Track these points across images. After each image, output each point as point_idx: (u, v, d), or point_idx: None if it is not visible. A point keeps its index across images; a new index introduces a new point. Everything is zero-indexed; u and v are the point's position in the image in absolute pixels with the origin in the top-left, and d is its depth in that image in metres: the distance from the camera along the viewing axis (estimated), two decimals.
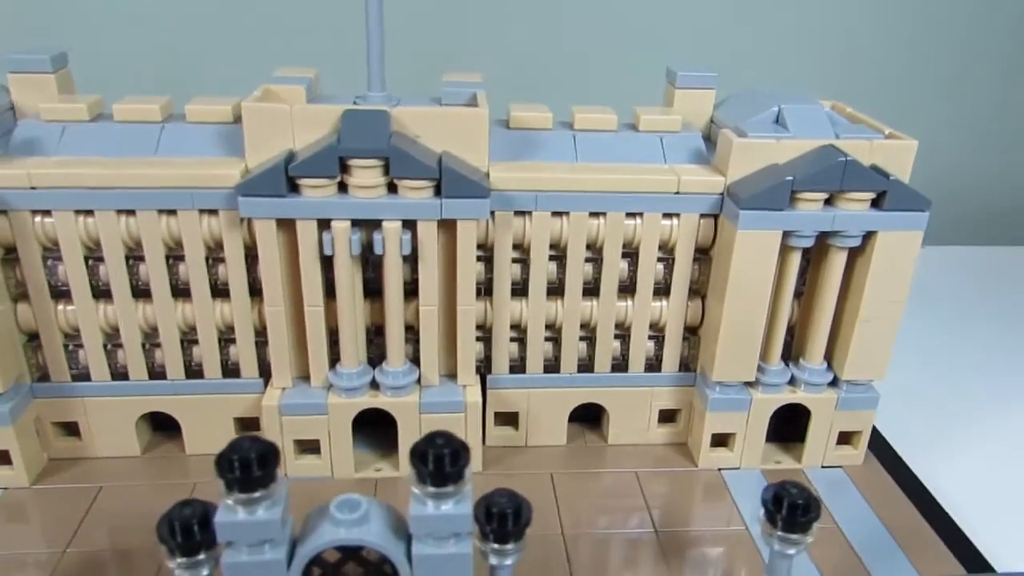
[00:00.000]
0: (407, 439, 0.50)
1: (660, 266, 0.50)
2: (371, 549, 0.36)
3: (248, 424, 0.52)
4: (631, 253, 0.50)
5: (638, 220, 0.48)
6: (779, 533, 0.38)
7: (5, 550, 0.44)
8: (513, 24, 0.93)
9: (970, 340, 0.75)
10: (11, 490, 0.49)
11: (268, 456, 0.34)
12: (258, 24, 0.89)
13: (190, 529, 0.34)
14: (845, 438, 0.54)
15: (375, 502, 0.36)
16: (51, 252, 0.46)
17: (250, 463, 0.33)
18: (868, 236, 0.47)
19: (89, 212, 0.45)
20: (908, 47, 0.99)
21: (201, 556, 0.35)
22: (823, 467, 0.54)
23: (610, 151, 0.50)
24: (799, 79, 0.98)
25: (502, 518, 0.35)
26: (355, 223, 0.45)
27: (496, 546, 0.36)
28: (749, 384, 0.52)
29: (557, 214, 0.48)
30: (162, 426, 0.53)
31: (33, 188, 0.44)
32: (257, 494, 0.34)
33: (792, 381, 0.52)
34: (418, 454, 0.34)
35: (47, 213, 0.45)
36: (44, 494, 0.49)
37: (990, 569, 0.46)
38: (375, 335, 0.51)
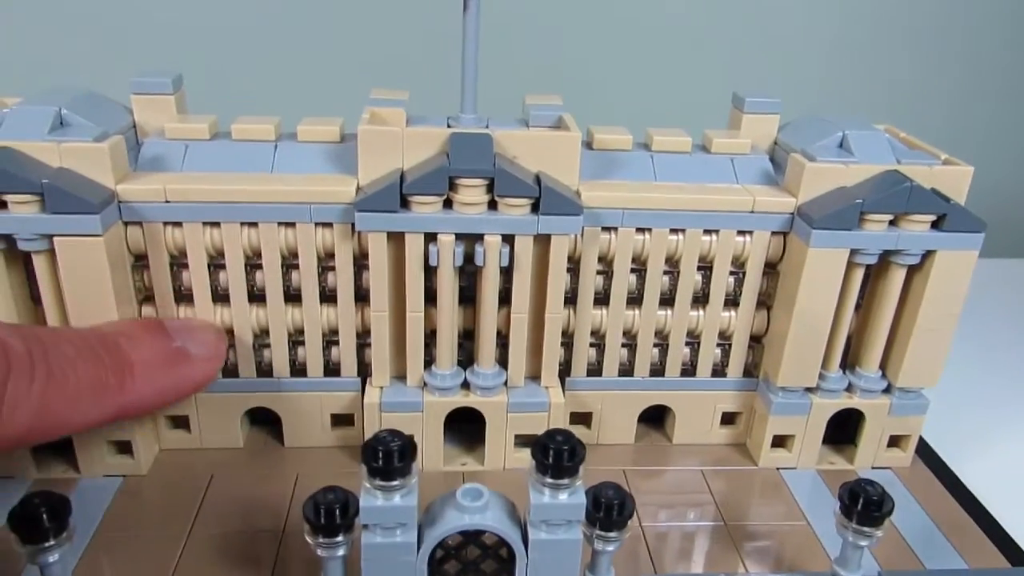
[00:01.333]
0: (495, 436, 0.54)
1: (731, 279, 0.54)
2: (491, 534, 0.40)
3: (343, 420, 0.56)
4: (705, 266, 0.54)
5: (714, 236, 0.52)
6: (854, 526, 0.42)
7: (134, 531, 0.48)
8: (578, 44, 0.97)
9: (1006, 349, 0.79)
10: (130, 478, 0.53)
11: (407, 449, 0.38)
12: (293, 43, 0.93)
13: (332, 512, 0.38)
14: (895, 441, 0.58)
15: (495, 493, 0.40)
16: (176, 259, 0.51)
17: (392, 454, 0.37)
18: (927, 254, 0.51)
19: (215, 223, 0.49)
20: (956, 66, 1.03)
21: (340, 538, 0.39)
22: (873, 468, 0.58)
23: (686, 171, 0.54)
24: (850, 102, 1.01)
25: (609, 509, 0.40)
26: (458, 236, 0.49)
27: (602, 533, 0.40)
28: (809, 390, 0.56)
29: (640, 230, 0.52)
30: (258, 421, 0.58)
31: (167, 202, 0.48)
32: (396, 482, 0.38)
33: (849, 387, 0.56)
34: (540, 448, 0.38)
35: (178, 224, 0.49)
36: (160, 482, 0.53)
37: None
38: (464, 339, 0.55)
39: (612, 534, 0.40)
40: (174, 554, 0.47)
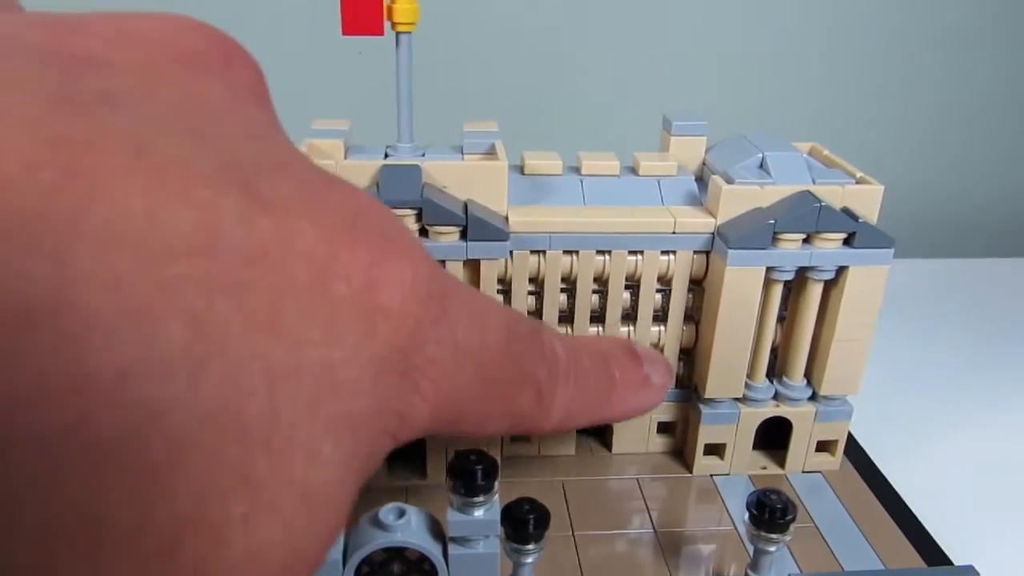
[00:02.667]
0: (436, 451, 0.57)
1: (659, 296, 0.57)
2: (413, 550, 0.42)
3: None
4: (633, 285, 0.56)
5: (639, 256, 0.55)
6: (762, 534, 0.44)
7: None
8: (517, 69, 1.00)
9: (937, 351, 0.82)
10: None
11: None
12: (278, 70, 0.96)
13: None
14: (823, 446, 0.60)
15: (416, 509, 0.43)
16: None
17: None
18: (841, 270, 0.54)
19: None
20: (885, 80, 1.06)
21: None
22: (804, 472, 0.60)
23: (614, 194, 0.56)
24: (784, 118, 1.04)
25: (523, 523, 0.42)
26: None
27: (518, 546, 0.43)
28: (738, 400, 0.58)
29: (568, 252, 0.54)
30: None
31: None
32: None
33: (776, 396, 0.58)
34: (455, 470, 0.41)
35: None
36: None
37: (948, 562, 0.52)
38: None
39: (529, 547, 0.43)
40: None
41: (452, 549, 0.42)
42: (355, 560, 0.41)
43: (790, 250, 0.53)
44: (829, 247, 0.53)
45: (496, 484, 0.41)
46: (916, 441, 0.67)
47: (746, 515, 0.45)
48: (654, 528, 0.54)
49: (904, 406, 0.72)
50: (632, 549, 0.53)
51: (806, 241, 0.53)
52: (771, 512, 0.44)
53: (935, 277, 0.98)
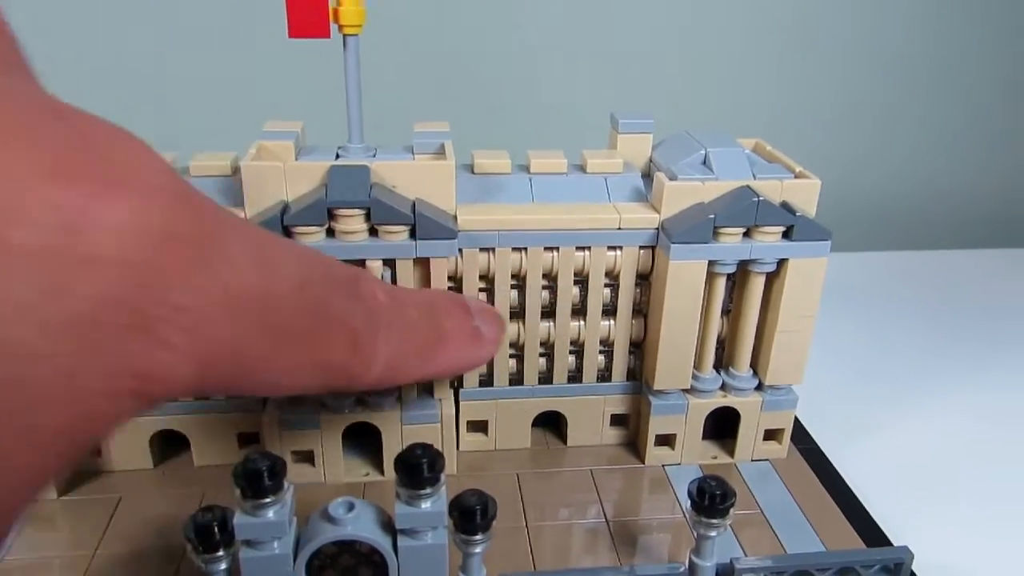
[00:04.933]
0: (391, 447, 0.57)
1: (607, 290, 0.58)
2: (363, 543, 0.43)
3: (250, 438, 0.59)
4: (582, 280, 0.57)
5: (587, 252, 0.56)
6: (703, 519, 0.45)
7: (40, 553, 0.51)
8: (474, 70, 1.00)
9: (883, 342, 0.84)
10: (41, 501, 0.55)
11: (276, 468, 0.41)
12: (228, 75, 0.96)
13: (211, 531, 0.41)
14: (771, 435, 0.62)
15: (366, 503, 0.44)
16: None
17: (261, 474, 0.40)
18: (781, 262, 0.55)
19: None
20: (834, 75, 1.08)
21: (220, 553, 0.42)
22: (752, 460, 0.62)
23: (562, 191, 0.57)
24: (734, 115, 1.06)
25: (470, 514, 0.43)
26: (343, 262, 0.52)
27: (466, 537, 0.44)
28: (686, 391, 0.60)
29: (517, 249, 0.55)
30: (169, 442, 0.60)
31: None
32: (267, 500, 0.41)
33: (723, 387, 0.60)
34: (401, 463, 0.42)
35: None
36: (70, 504, 0.55)
37: (887, 543, 0.54)
38: None
39: (476, 537, 0.44)
40: (79, 574, 0.49)
41: (401, 541, 0.42)
42: (306, 553, 0.42)
43: (731, 244, 0.54)
44: (768, 240, 0.54)
45: (443, 476, 0.42)
46: (863, 428, 0.69)
47: (688, 502, 0.46)
48: (606, 518, 0.56)
49: (852, 394, 0.74)
50: (585, 538, 0.54)
51: (746, 235, 0.55)
52: (711, 498, 0.45)
53: (879, 269, 1.00)
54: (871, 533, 0.55)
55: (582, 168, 0.60)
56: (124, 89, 0.94)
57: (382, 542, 0.42)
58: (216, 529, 0.41)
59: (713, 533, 0.46)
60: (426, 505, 0.42)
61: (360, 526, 0.42)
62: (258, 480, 0.40)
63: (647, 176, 0.60)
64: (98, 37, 0.93)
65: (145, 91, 0.95)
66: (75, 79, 0.92)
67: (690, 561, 0.47)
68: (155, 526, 0.53)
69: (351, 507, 0.43)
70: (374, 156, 0.55)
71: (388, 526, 0.44)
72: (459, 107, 0.98)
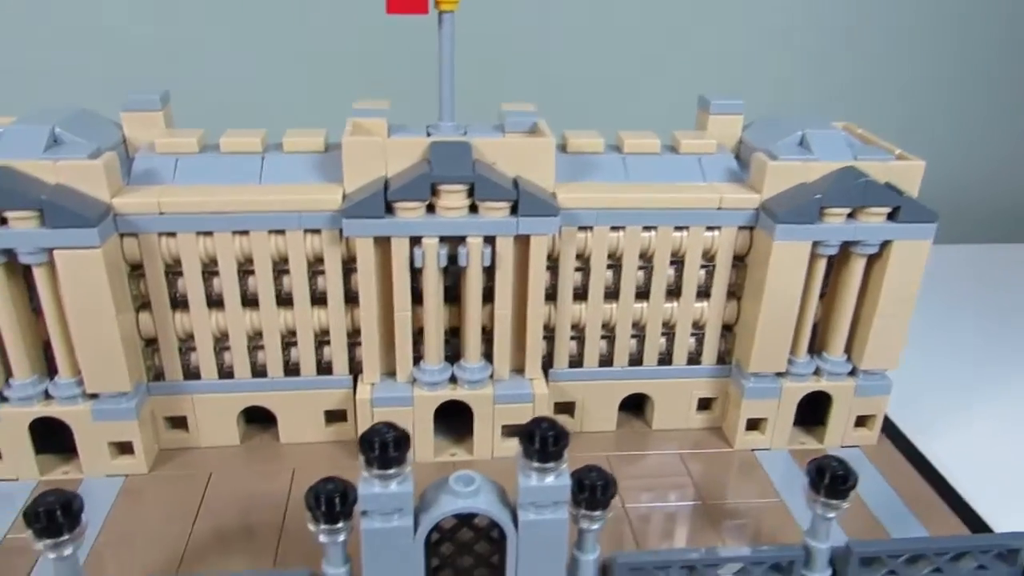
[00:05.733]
0: (482, 427, 0.57)
1: (702, 272, 0.57)
2: (483, 516, 0.42)
3: (336, 416, 0.59)
4: (677, 261, 0.57)
5: (684, 232, 0.55)
6: (822, 499, 0.45)
7: (136, 527, 0.50)
8: (542, 51, 1.00)
9: (968, 332, 0.83)
10: (132, 477, 0.55)
11: (402, 439, 0.40)
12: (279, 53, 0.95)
13: (332, 501, 0.41)
14: (861, 421, 0.61)
15: (485, 478, 0.43)
16: (171, 268, 0.53)
17: (388, 444, 0.40)
18: (884, 244, 0.55)
19: (208, 232, 0.52)
20: (910, 57, 1.07)
21: (340, 524, 0.41)
22: (842, 447, 0.61)
23: (655, 171, 0.57)
24: (810, 99, 1.05)
25: (593, 489, 0.42)
26: (442, 239, 0.52)
27: (587, 512, 0.43)
28: (779, 374, 0.59)
29: (615, 228, 0.55)
30: (254, 419, 0.60)
31: (161, 214, 0.50)
32: (392, 471, 0.40)
33: (816, 371, 0.59)
34: (527, 435, 0.41)
35: (172, 234, 0.51)
36: (161, 480, 0.55)
37: (988, 530, 0.53)
38: (450, 336, 0.57)
39: (596, 513, 0.43)
40: (179, 548, 0.49)
41: (522, 515, 0.42)
42: (427, 525, 0.41)
43: (835, 224, 0.53)
44: (874, 221, 0.53)
45: (567, 451, 0.42)
46: (947, 415, 0.68)
47: (806, 481, 0.45)
48: (703, 500, 0.55)
49: (937, 383, 0.73)
50: (684, 520, 0.53)
51: (851, 216, 0.54)
52: (832, 478, 0.44)
53: (957, 263, 0.99)
54: (971, 519, 0.54)
55: (674, 149, 0.59)
56: (198, 68, 0.94)
57: (502, 516, 0.42)
58: (338, 500, 0.41)
59: (832, 515, 0.45)
60: (550, 479, 0.41)
61: (482, 499, 0.42)
62: (385, 450, 0.40)
63: (739, 158, 0.60)
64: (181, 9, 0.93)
65: (211, 69, 0.95)
66: (140, 55, 0.93)
67: (804, 544, 0.47)
68: (249, 502, 0.53)
69: (472, 481, 0.42)
70: (465, 134, 0.55)
71: (505, 501, 0.43)
72: (532, 90, 0.98)
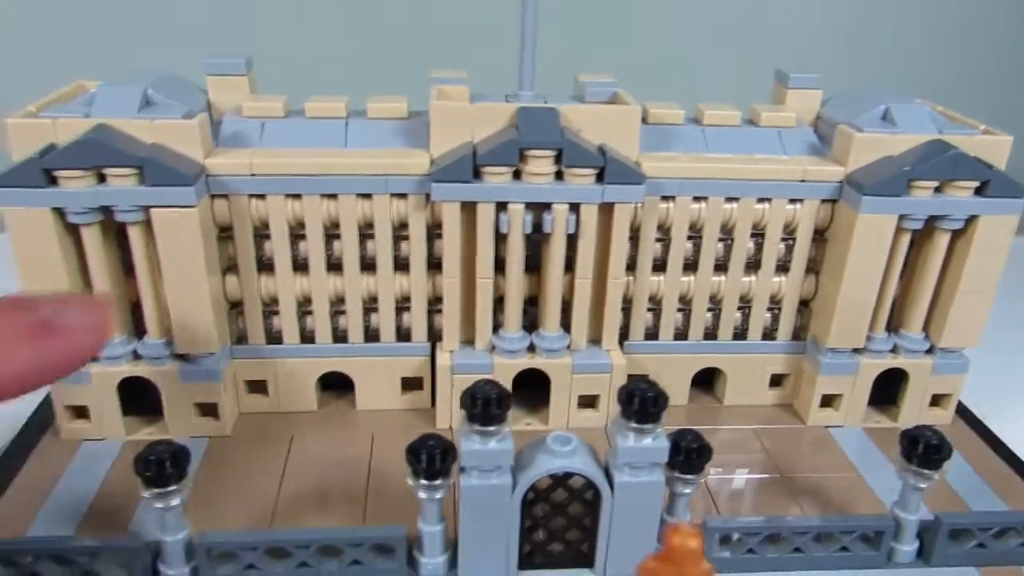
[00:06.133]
0: (559, 396, 0.57)
1: (782, 245, 0.57)
2: (577, 477, 0.43)
3: (412, 384, 0.59)
4: (757, 233, 0.57)
5: (766, 205, 0.55)
6: (914, 468, 0.45)
7: (226, 487, 0.51)
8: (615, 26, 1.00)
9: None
10: (215, 439, 0.56)
11: (504, 397, 0.41)
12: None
13: (434, 457, 0.41)
14: (936, 400, 0.61)
15: (580, 440, 0.43)
16: (259, 230, 0.53)
17: (490, 401, 0.40)
18: (970, 219, 0.54)
19: (297, 195, 0.52)
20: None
21: (439, 481, 0.42)
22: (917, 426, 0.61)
23: (735, 144, 0.57)
24: (888, 75, 1.04)
25: (689, 453, 0.43)
26: (527, 205, 0.52)
27: (681, 476, 0.43)
28: (857, 351, 0.58)
29: (697, 199, 0.55)
30: (329, 385, 0.60)
31: (253, 175, 0.51)
32: (493, 428, 0.41)
33: (894, 348, 0.59)
34: (626, 395, 0.41)
35: (261, 196, 0.52)
36: (244, 442, 0.56)
37: None
38: (528, 305, 0.57)
39: (691, 476, 0.43)
40: (269, 506, 0.50)
41: (618, 476, 0.42)
42: (525, 483, 0.42)
43: (923, 198, 0.53)
44: (962, 195, 0.53)
45: (664, 414, 0.42)
46: (1015, 396, 0.68)
47: (898, 449, 0.45)
48: (780, 473, 0.55)
49: (1007, 364, 0.72)
50: (763, 492, 0.53)
51: (937, 190, 0.53)
52: (926, 448, 0.44)
53: None
54: None
55: (753, 122, 0.59)
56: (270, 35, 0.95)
57: (599, 477, 0.42)
58: (439, 457, 0.41)
59: (924, 485, 0.45)
60: (648, 440, 0.41)
61: (579, 460, 0.42)
62: (488, 407, 0.40)
63: (817, 132, 0.59)
64: None
65: (286, 36, 0.96)
66: (211, 22, 0.94)
67: (894, 515, 0.46)
68: (332, 466, 0.54)
69: (569, 441, 0.42)
70: (546, 103, 0.55)
71: (599, 464, 0.43)
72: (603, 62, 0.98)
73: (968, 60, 1.07)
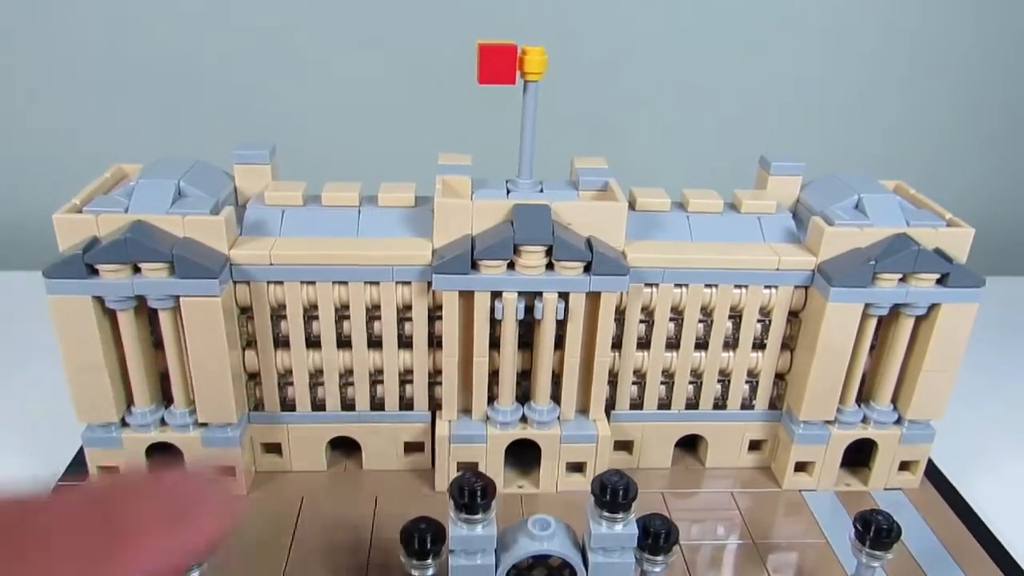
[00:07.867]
0: (549, 463, 0.62)
1: (758, 325, 0.61)
2: (556, 557, 0.47)
3: (414, 447, 0.64)
4: (735, 315, 0.61)
5: (744, 290, 0.59)
6: (867, 550, 0.49)
7: (241, 545, 0.56)
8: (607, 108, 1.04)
9: (1008, 374, 0.85)
10: (233, 493, 0.61)
11: (488, 488, 0.45)
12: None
13: (424, 540, 0.46)
14: (905, 465, 0.65)
15: (559, 521, 0.48)
16: (276, 311, 0.58)
17: (476, 493, 0.45)
18: (933, 306, 0.58)
19: (311, 282, 0.57)
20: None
21: (430, 560, 0.47)
22: (886, 489, 0.65)
23: (718, 231, 0.61)
24: (860, 154, 1.08)
25: (657, 537, 0.47)
26: (520, 293, 0.57)
27: (650, 557, 0.48)
28: (828, 422, 0.63)
29: (679, 285, 0.59)
30: (338, 446, 0.65)
31: (272, 264, 0.56)
32: (478, 516, 0.46)
33: (864, 419, 0.63)
34: (599, 486, 0.46)
35: (279, 283, 0.57)
36: (259, 502, 0.61)
37: None
38: (521, 378, 0.62)
39: (659, 558, 0.48)
40: (280, 563, 0.55)
41: (593, 558, 0.47)
42: (506, 565, 0.46)
43: (887, 288, 0.57)
44: (923, 286, 0.57)
45: (634, 504, 0.46)
46: (989, 459, 0.71)
47: (851, 532, 0.49)
48: (752, 539, 0.59)
49: (980, 426, 0.75)
50: (736, 557, 0.57)
51: (902, 280, 0.57)
52: (877, 532, 0.48)
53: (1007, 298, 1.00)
54: (1009, 566, 0.58)
55: (735, 207, 0.63)
56: (282, 121, 1.00)
57: (575, 559, 0.47)
58: (429, 540, 0.46)
59: (876, 564, 0.49)
60: (619, 527, 0.46)
61: (557, 543, 0.47)
62: (473, 498, 0.45)
63: (796, 217, 0.63)
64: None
65: (298, 122, 1.01)
66: (224, 108, 1.00)
67: None
68: (338, 525, 0.59)
69: (548, 525, 0.47)
70: (541, 191, 0.59)
71: (576, 543, 0.48)
72: (597, 138, 1.03)
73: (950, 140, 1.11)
